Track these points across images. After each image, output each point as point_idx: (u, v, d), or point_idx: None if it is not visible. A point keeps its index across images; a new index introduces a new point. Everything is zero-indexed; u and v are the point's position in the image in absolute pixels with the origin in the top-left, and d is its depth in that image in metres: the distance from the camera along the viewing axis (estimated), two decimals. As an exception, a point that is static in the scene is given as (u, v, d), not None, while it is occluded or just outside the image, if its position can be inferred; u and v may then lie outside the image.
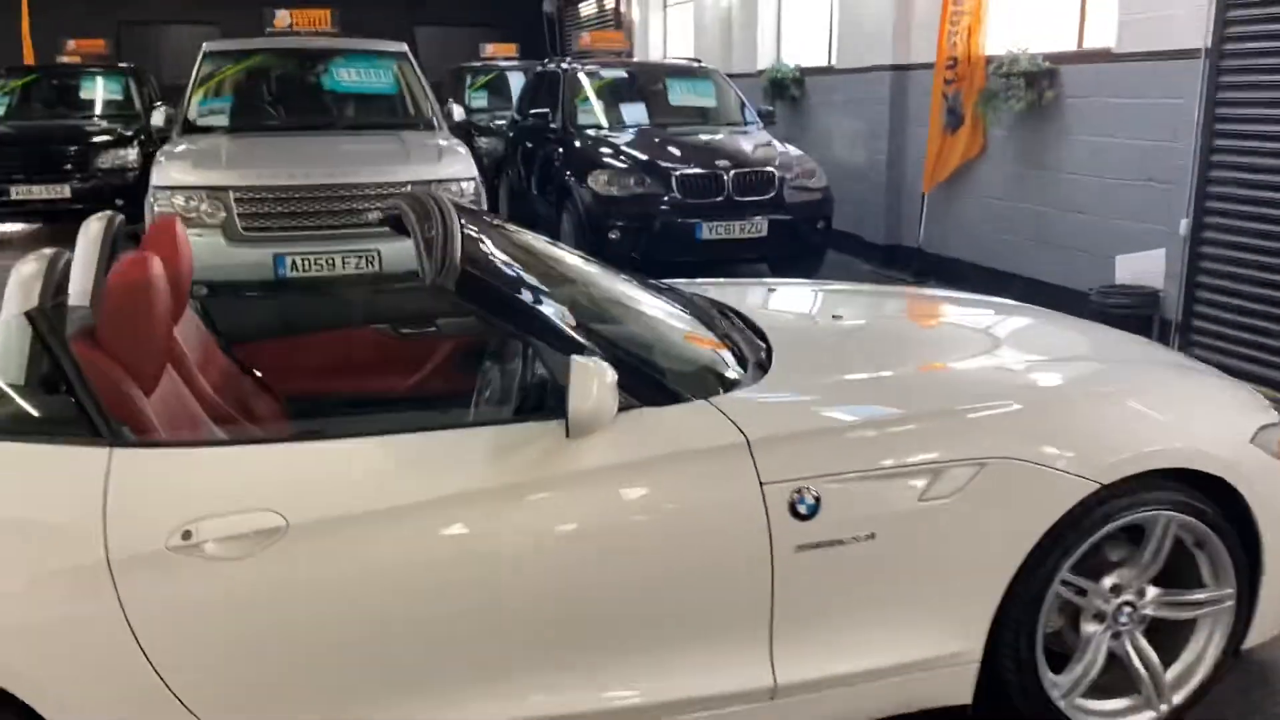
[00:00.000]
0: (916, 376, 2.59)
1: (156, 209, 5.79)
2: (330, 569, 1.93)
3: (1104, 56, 6.49)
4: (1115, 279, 6.27)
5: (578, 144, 8.32)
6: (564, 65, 9.26)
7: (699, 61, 9.82)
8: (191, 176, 5.84)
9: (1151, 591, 2.54)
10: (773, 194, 7.59)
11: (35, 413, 2.03)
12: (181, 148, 6.33)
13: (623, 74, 9.33)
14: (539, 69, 10.08)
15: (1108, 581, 2.49)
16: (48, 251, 2.36)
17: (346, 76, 7.45)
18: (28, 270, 2.16)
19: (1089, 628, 2.50)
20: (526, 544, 2.03)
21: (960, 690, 2.41)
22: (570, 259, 3.01)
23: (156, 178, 5.87)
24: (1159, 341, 5.79)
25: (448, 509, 1.99)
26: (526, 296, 2.31)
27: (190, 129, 6.87)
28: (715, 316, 2.81)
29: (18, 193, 10.19)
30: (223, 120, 7.00)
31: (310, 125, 7.13)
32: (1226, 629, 2.58)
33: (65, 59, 13.22)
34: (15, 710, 1.81)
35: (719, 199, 7.48)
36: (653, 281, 3.11)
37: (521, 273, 2.53)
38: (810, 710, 2.30)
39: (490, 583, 2.02)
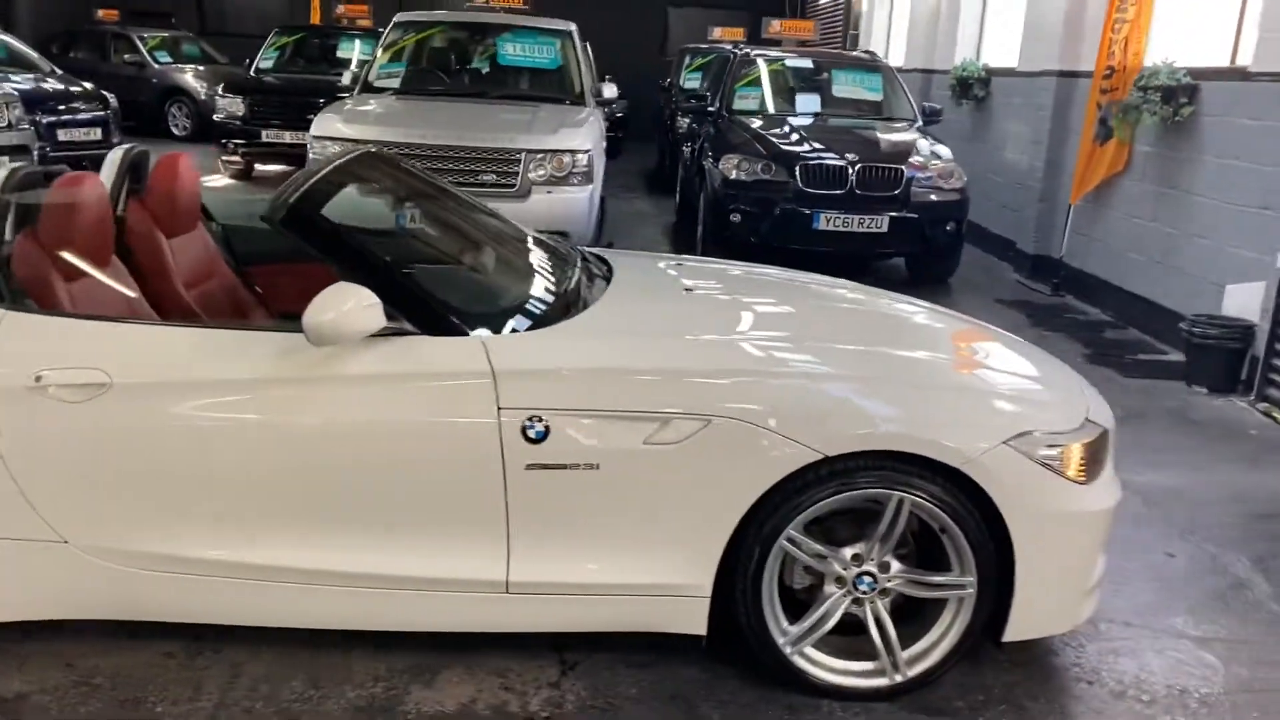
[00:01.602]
0: (690, 342, 2.89)
1: (311, 154, 6.73)
2: (143, 421, 2.54)
3: (1239, 74, 6.16)
4: (1222, 309, 6.00)
5: (725, 127, 8.70)
6: (735, 50, 9.61)
7: (872, 55, 9.88)
8: (339, 129, 6.74)
9: (896, 567, 2.75)
10: (898, 191, 7.67)
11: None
12: (346, 105, 7.27)
13: (790, 63, 9.57)
14: (729, 53, 10.47)
15: (849, 551, 2.73)
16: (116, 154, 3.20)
17: (512, 51, 8.17)
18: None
19: (828, 589, 2.75)
20: (289, 425, 2.57)
21: (694, 621, 2.74)
22: (472, 215, 3.51)
23: (314, 128, 6.82)
24: (1245, 380, 5.56)
25: (230, 389, 2.56)
26: (349, 237, 2.80)
27: (368, 88, 7.83)
28: (572, 273, 3.18)
29: (268, 135, 11.73)
30: (395, 83, 7.92)
31: (470, 93, 7.94)
32: (968, 616, 2.74)
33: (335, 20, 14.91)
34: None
35: (840, 191, 7.65)
36: (543, 237, 3.55)
37: (371, 220, 3.03)
38: (545, 609, 2.71)
39: (262, 451, 2.57)
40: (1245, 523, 4.07)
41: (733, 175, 7.84)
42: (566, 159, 6.75)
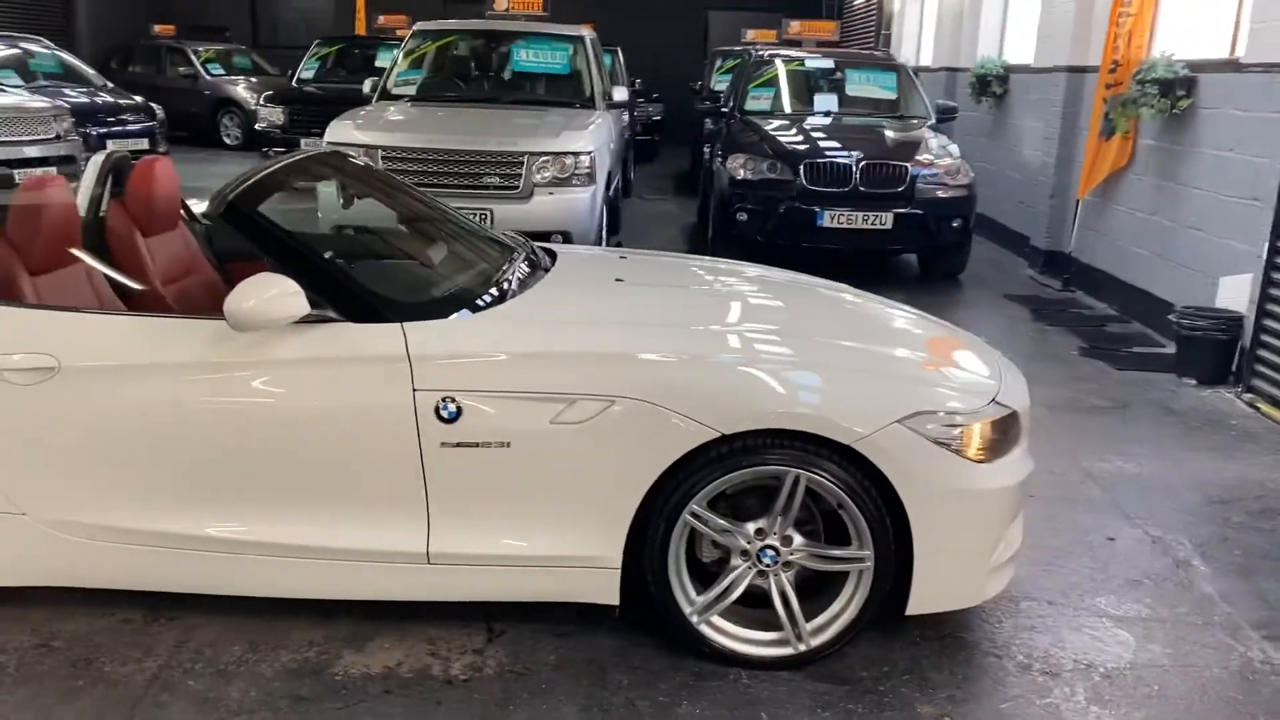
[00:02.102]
0: (601, 328, 3.03)
1: (324, 161, 7.00)
2: (89, 402, 2.77)
3: (1233, 66, 6.15)
4: (1216, 300, 5.99)
5: (736, 128, 8.83)
6: (751, 52, 9.74)
7: (887, 54, 9.93)
8: (352, 135, 7.00)
9: (798, 541, 2.88)
10: (902, 188, 7.74)
11: None
12: (361, 112, 7.54)
13: (805, 64, 9.66)
14: (748, 54, 10.60)
15: (752, 526, 2.87)
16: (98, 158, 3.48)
17: (525, 57, 8.39)
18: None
19: (734, 561, 2.89)
20: (221, 406, 2.78)
21: (607, 592, 2.90)
22: (422, 212, 3.72)
23: (328, 135, 7.09)
24: (1235, 372, 5.56)
25: (168, 372, 2.78)
26: (280, 231, 2.98)
27: (386, 96, 8.11)
28: (508, 266, 3.34)
29: (306, 143, 12.09)
30: (411, 90, 8.18)
31: (483, 98, 8.18)
32: (867, 589, 2.86)
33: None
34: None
35: (844, 189, 7.74)
36: (496, 234, 3.74)
37: (314, 215, 3.25)
38: (465, 579, 2.89)
39: (197, 430, 2.79)
40: (1198, 508, 4.11)
41: (739, 175, 7.98)
42: (569, 161, 6.93)
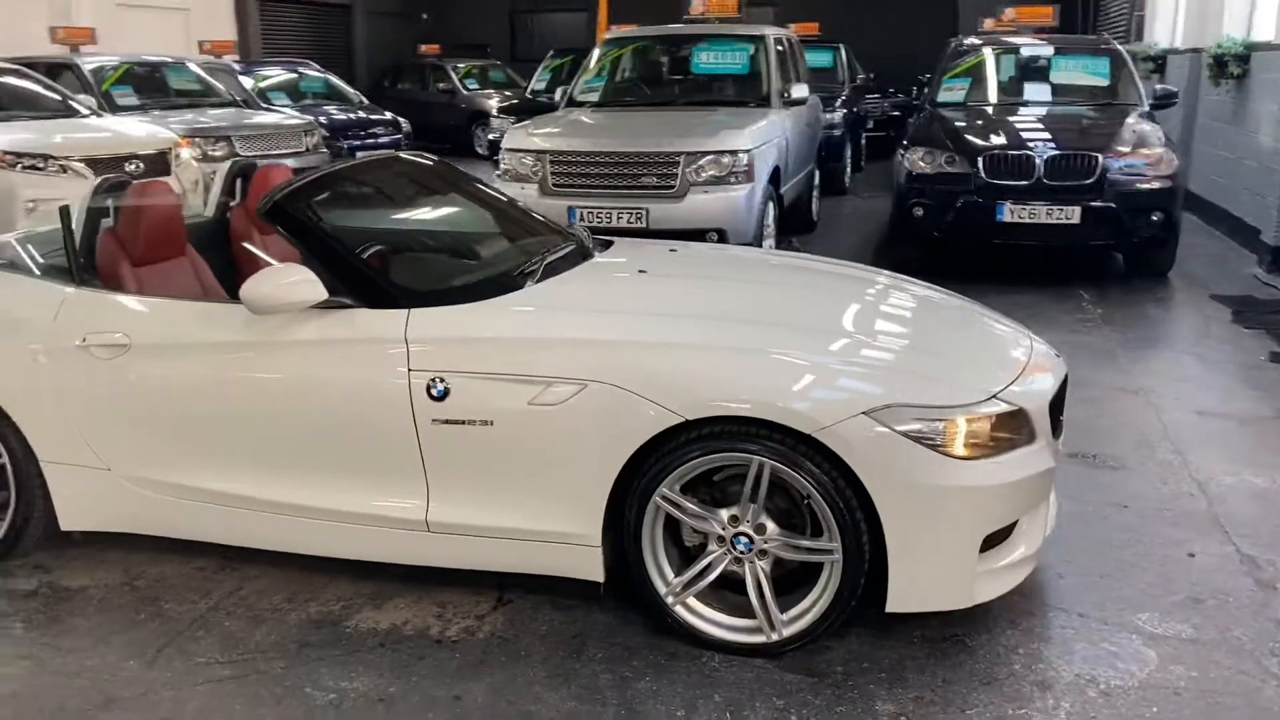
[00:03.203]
0: (593, 316, 3.14)
1: (502, 165, 7.48)
2: (150, 375, 3.22)
3: None
4: None
5: (924, 120, 8.56)
6: (954, 42, 9.40)
7: (1102, 38, 9.27)
8: (524, 142, 7.42)
9: (771, 529, 2.89)
10: (1091, 180, 7.25)
11: (54, 262, 3.56)
12: (537, 120, 7.96)
13: (1007, 52, 9.21)
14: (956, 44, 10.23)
15: (725, 513, 2.90)
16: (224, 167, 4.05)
17: (706, 59, 8.54)
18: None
19: (711, 546, 2.94)
20: (252, 380, 3.14)
21: (591, 568, 3.03)
22: (478, 208, 3.99)
23: (505, 141, 7.55)
24: None
25: (211, 350, 3.17)
26: (313, 227, 3.29)
27: (571, 103, 8.52)
28: (541, 257, 3.50)
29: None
30: (594, 97, 8.53)
31: (659, 101, 8.41)
32: (837, 581, 2.83)
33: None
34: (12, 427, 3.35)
35: (1026, 182, 7.35)
36: (559, 227, 3.95)
37: (357, 210, 3.60)
38: (461, 548, 3.10)
39: (234, 401, 3.16)
40: (1318, 530, 3.68)
41: (917, 168, 7.75)
42: (726, 160, 7.02)
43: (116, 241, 3.55)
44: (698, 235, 6.94)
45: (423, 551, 3.15)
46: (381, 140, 13.32)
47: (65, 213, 3.47)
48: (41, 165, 8.05)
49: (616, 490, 2.92)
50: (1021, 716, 2.67)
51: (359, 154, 12.84)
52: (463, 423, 2.97)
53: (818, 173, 10.39)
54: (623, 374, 2.86)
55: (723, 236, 7.02)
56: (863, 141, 14.54)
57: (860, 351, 3.00)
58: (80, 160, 8.28)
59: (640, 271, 3.58)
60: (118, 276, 3.50)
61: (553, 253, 3.59)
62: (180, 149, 9.22)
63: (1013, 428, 2.91)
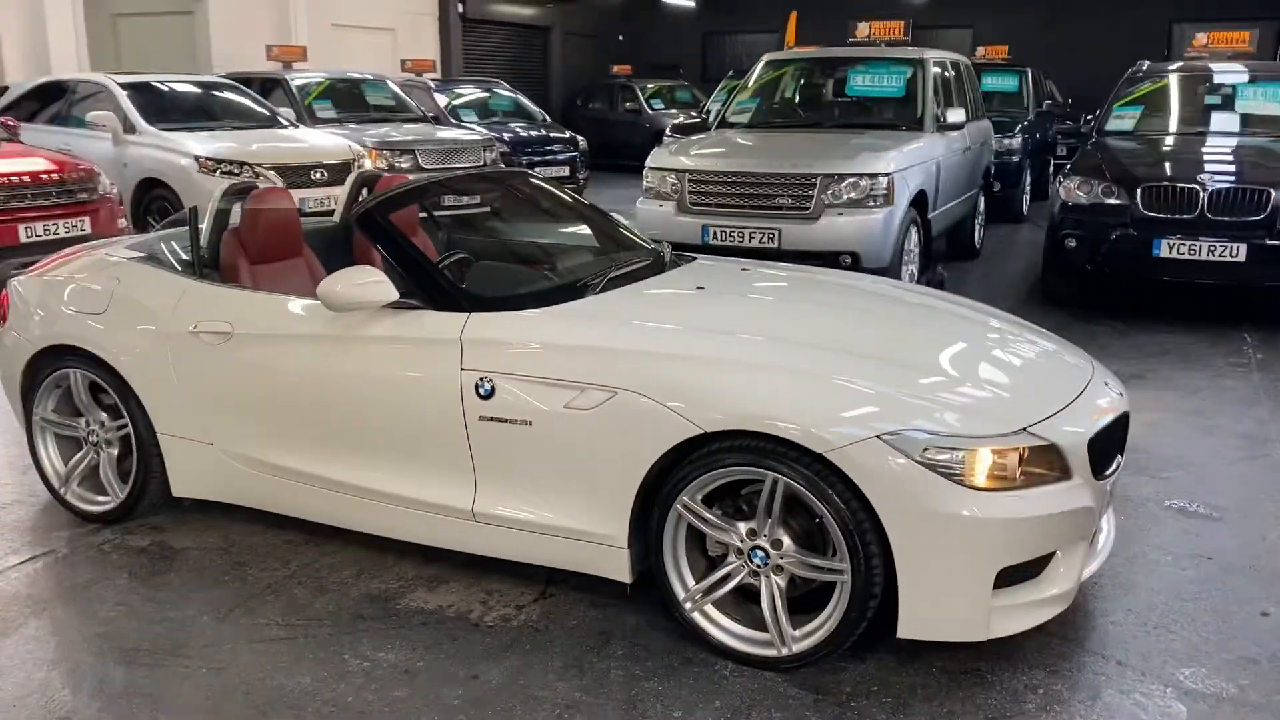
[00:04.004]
0: (636, 328, 3.25)
1: (645, 183, 7.70)
2: (247, 361, 3.57)
3: None
4: None
5: (1089, 149, 8.24)
6: (1136, 69, 9.01)
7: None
8: (665, 160, 7.61)
9: (787, 545, 2.93)
10: (1261, 216, 6.81)
11: (186, 257, 3.99)
12: (681, 140, 8.14)
13: (1188, 79, 8.73)
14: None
15: (745, 526, 2.97)
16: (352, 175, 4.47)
17: (861, 82, 8.51)
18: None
19: (730, 557, 3.02)
20: (329, 371, 3.43)
21: (618, 569, 3.16)
22: (568, 217, 4.22)
23: (649, 160, 7.76)
24: None
25: (297, 341, 3.49)
26: (394, 234, 3.55)
27: (723, 124, 8.66)
28: (606, 271, 3.66)
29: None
30: (745, 118, 8.64)
31: (808, 123, 8.44)
32: (845, 602, 2.85)
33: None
34: (136, 401, 3.79)
35: (1188, 216, 6.97)
36: (642, 241, 4.12)
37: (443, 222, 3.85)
38: (502, 539, 3.29)
39: (314, 389, 3.46)
40: None
41: (1072, 198, 7.47)
42: (864, 183, 7.00)
43: (237, 241, 3.95)
44: (830, 258, 6.95)
45: (468, 539, 3.36)
46: (559, 157, 13.83)
47: (194, 214, 3.90)
48: (236, 171, 8.86)
49: (645, 495, 3.04)
50: (1017, 756, 2.62)
51: (537, 169, 13.41)
52: (505, 421, 3.16)
53: (983, 199, 10.12)
54: (649, 383, 2.98)
55: (856, 260, 6.99)
56: (1051, 168, 14.00)
57: (890, 376, 2.99)
58: (271, 167, 9.07)
59: (698, 288, 3.68)
60: (235, 272, 3.89)
61: (622, 266, 3.75)
62: (363, 159, 9.93)
63: (1044, 463, 2.86)
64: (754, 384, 2.94)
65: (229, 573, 3.60)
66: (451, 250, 3.99)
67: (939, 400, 2.91)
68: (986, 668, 2.98)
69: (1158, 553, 3.71)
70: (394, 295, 3.33)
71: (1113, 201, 7.25)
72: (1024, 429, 2.85)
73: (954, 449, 2.75)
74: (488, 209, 4.25)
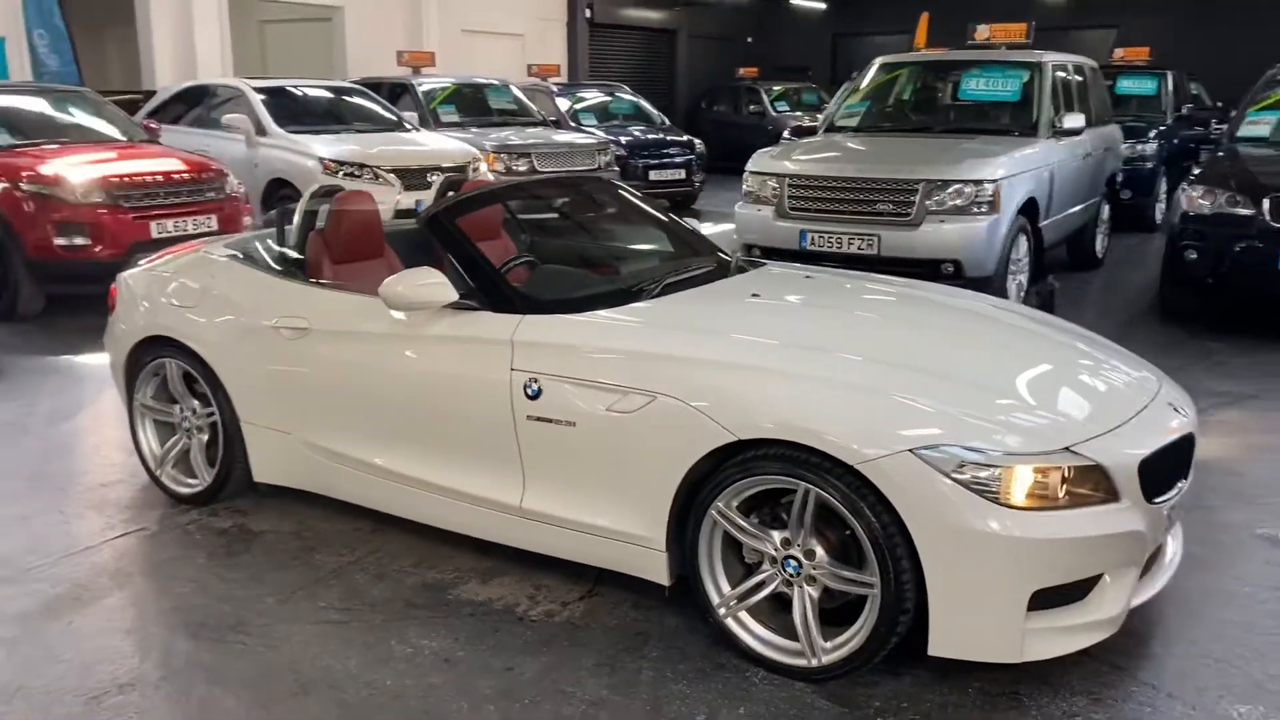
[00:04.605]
0: (681, 334, 3.26)
1: (744, 187, 7.69)
2: (322, 355, 3.74)
3: None
4: None
5: (1217, 157, 7.87)
6: (1276, 71, 8.53)
7: None
8: (765, 165, 7.56)
9: (820, 556, 2.92)
10: (1401, 229, 6.38)
11: (285, 258, 4.20)
12: (782, 145, 8.09)
13: (1332, 81, 8.21)
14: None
15: (779, 535, 2.97)
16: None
17: (975, 86, 8.29)
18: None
19: (764, 565, 3.02)
20: (393, 367, 3.56)
21: (656, 570, 3.19)
22: (637, 222, 4.31)
23: (749, 164, 7.74)
24: None
25: (366, 338, 3.64)
26: (460, 238, 3.67)
27: (830, 128, 8.58)
28: (661, 277, 3.70)
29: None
30: (853, 122, 8.54)
31: (917, 128, 8.28)
32: (875, 615, 2.82)
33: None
34: (222, 390, 4.01)
35: (1319, 228, 6.58)
36: (709, 247, 4.20)
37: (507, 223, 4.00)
38: (547, 536, 3.36)
39: (378, 383, 3.61)
40: None
41: (1192, 208, 7.14)
42: (969, 189, 6.84)
43: (323, 241, 4.14)
44: (931, 266, 6.82)
45: (516, 534, 3.44)
46: (676, 160, 13.90)
47: (281, 214, 4.10)
48: (358, 173, 9.23)
49: (683, 499, 3.07)
50: (1040, 782, 2.55)
51: (651, 173, 13.52)
52: (551, 421, 3.23)
53: (1106, 208, 9.74)
54: (687, 389, 3.00)
55: (958, 268, 6.84)
56: (1192, 174, 13.33)
57: (934, 390, 2.93)
58: (390, 170, 9.41)
59: (753, 295, 3.68)
60: (319, 271, 4.08)
61: (682, 272, 3.78)
62: (479, 163, 10.20)
63: (1089, 483, 2.77)
64: (790, 393, 2.93)
65: (298, 557, 3.78)
66: (526, 253, 4.09)
67: (983, 416, 2.83)
68: (1025, 691, 2.90)
69: (1236, 583, 3.53)
70: (453, 296, 3.44)
71: (1238, 212, 6.90)
72: (1067, 448, 2.76)
73: (991, 465, 2.69)
74: (568, 214, 4.34)
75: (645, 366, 3.12)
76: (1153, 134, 11.71)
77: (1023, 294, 7.45)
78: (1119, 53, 14.55)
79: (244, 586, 3.56)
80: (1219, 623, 3.28)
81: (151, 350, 4.20)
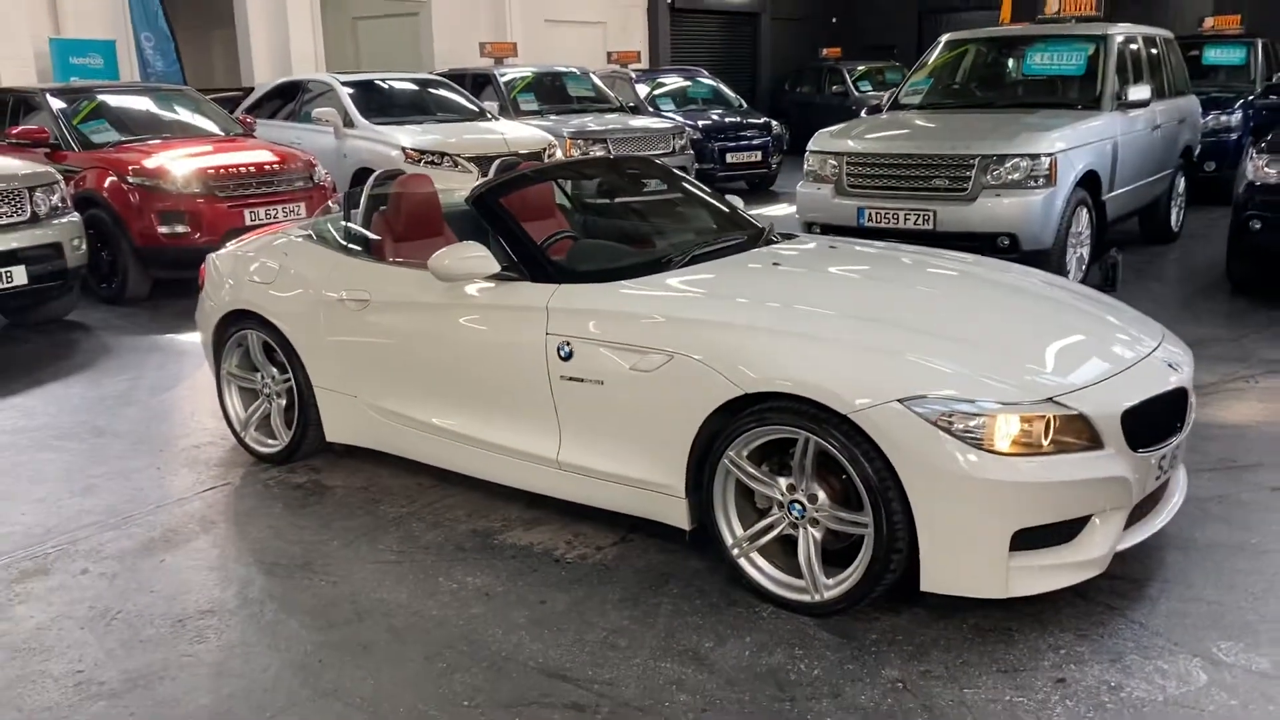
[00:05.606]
0: (700, 299, 3.54)
1: (806, 166, 7.88)
2: (382, 324, 4.11)
3: None
4: None
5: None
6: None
7: None
8: (825, 144, 7.73)
9: (821, 499, 3.16)
10: None
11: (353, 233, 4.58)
12: (845, 124, 8.23)
13: None
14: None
15: (784, 481, 3.23)
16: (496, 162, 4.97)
17: (1039, 60, 8.31)
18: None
19: (773, 510, 3.28)
20: (442, 333, 3.91)
21: (677, 516, 3.48)
22: (676, 199, 4.56)
23: (810, 143, 7.91)
24: None
25: (420, 307, 3.99)
26: (503, 215, 3.98)
27: (895, 106, 8.69)
28: (689, 249, 3.99)
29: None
30: (916, 99, 8.63)
31: (981, 104, 8.34)
32: (870, 553, 3.05)
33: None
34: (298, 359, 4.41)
35: (1386, 196, 6.49)
36: (746, 220, 4.47)
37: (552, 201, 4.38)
38: (582, 486, 3.67)
39: (431, 348, 3.96)
40: None
41: (1257, 177, 7.09)
42: (1025, 164, 6.92)
43: (385, 222, 4.51)
44: (988, 240, 6.92)
45: (553, 485, 3.76)
46: (754, 142, 14.06)
47: (348, 198, 4.49)
48: (438, 161, 9.67)
49: (700, 450, 3.34)
50: (1016, 704, 2.75)
51: (728, 155, 13.70)
52: (582, 380, 3.54)
53: (1182, 180, 9.62)
54: (701, 348, 3.27)
55: (1014, 242, 6.93)
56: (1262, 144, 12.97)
57: (928, 346, 3.15)
58: (470, 158, 9.83)
59: (774, 264, 3.92)
60: (382, 249, 4.45)
61: (712, 244, 4.04)
62: (555, 149, 10.56)
63: (1072, 431, 2.95)
64: (791, 350, 3.18)
65: (363, 508, 4.16)
66: (574, 229, 4.41)
67: (972, 369, 3.05)
68: (1016, 627, 3.10)
69: (1246, 534, 3.65)
70: (495, 267, 3.76)
71: (1303, 181, 6.83)
72: (1050, 399, 2.95)
73: (975, 414, 2.90)
74: (614, 193, 4.66)
75: (664, 329, 3.40)
76: (1238, 105, 11.45)
77: (1084, 267, 7.49)
78: (1208, 22, 14.20)
79: (314, 532, 3.95)
80: (1225, 570, 3.42)
81: (236, 323, 4.63)
